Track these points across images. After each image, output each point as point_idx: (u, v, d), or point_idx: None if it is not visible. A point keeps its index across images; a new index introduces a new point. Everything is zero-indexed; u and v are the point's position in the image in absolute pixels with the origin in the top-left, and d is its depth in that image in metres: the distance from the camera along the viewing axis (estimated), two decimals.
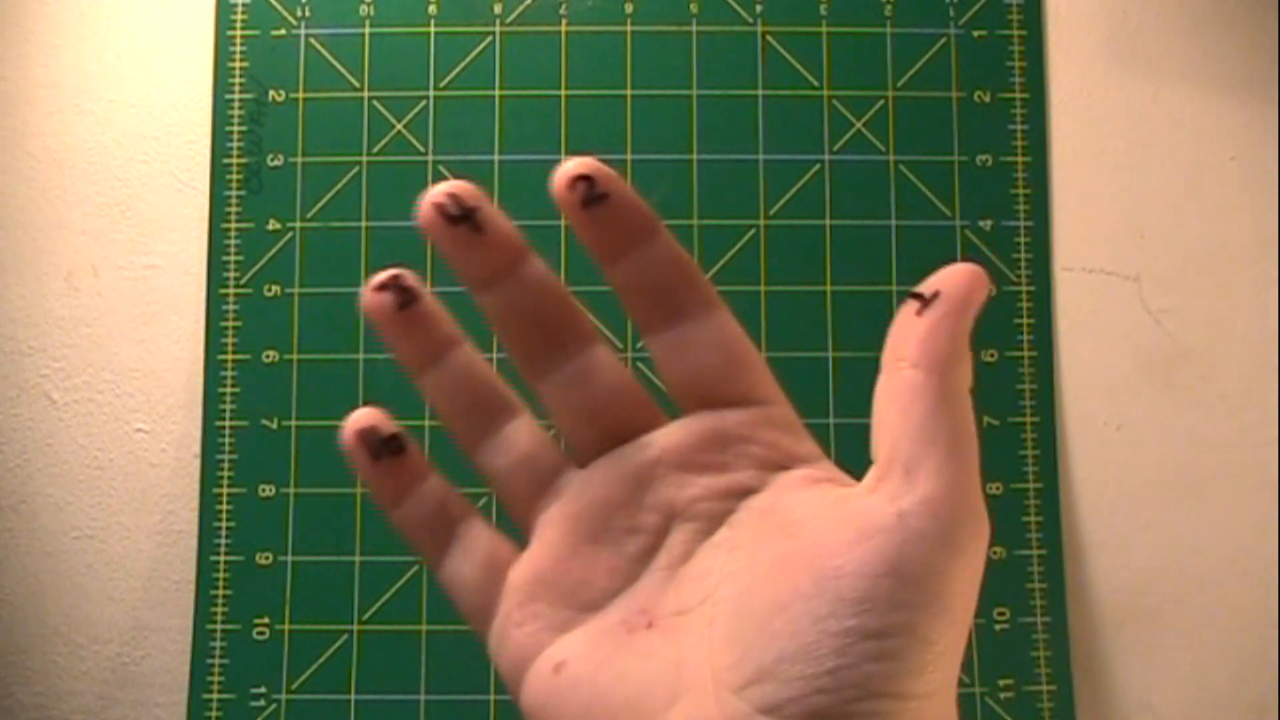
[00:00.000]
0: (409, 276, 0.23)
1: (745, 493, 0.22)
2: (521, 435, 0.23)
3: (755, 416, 0.22)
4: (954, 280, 0.20)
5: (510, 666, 0.22)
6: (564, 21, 0.55)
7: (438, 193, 0.22)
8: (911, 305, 0.20)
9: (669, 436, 0.23)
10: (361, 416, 0.23)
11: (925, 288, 0.21)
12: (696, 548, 0.22)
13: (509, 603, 0.22)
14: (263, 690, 0.51)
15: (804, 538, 0.20)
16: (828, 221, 0.54)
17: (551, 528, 0.23)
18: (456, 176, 0.55)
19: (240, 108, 0.55)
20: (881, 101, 0.55)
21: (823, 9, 0.55)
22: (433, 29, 0.55)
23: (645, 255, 0.22)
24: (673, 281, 0.22)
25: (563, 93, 0.55)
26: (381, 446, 0.23)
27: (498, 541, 0.24)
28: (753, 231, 0.54)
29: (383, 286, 0.23)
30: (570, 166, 0.22)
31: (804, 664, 0.18)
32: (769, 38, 0.55)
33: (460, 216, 0.22)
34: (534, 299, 0.23)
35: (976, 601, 0.20)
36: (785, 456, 0.22)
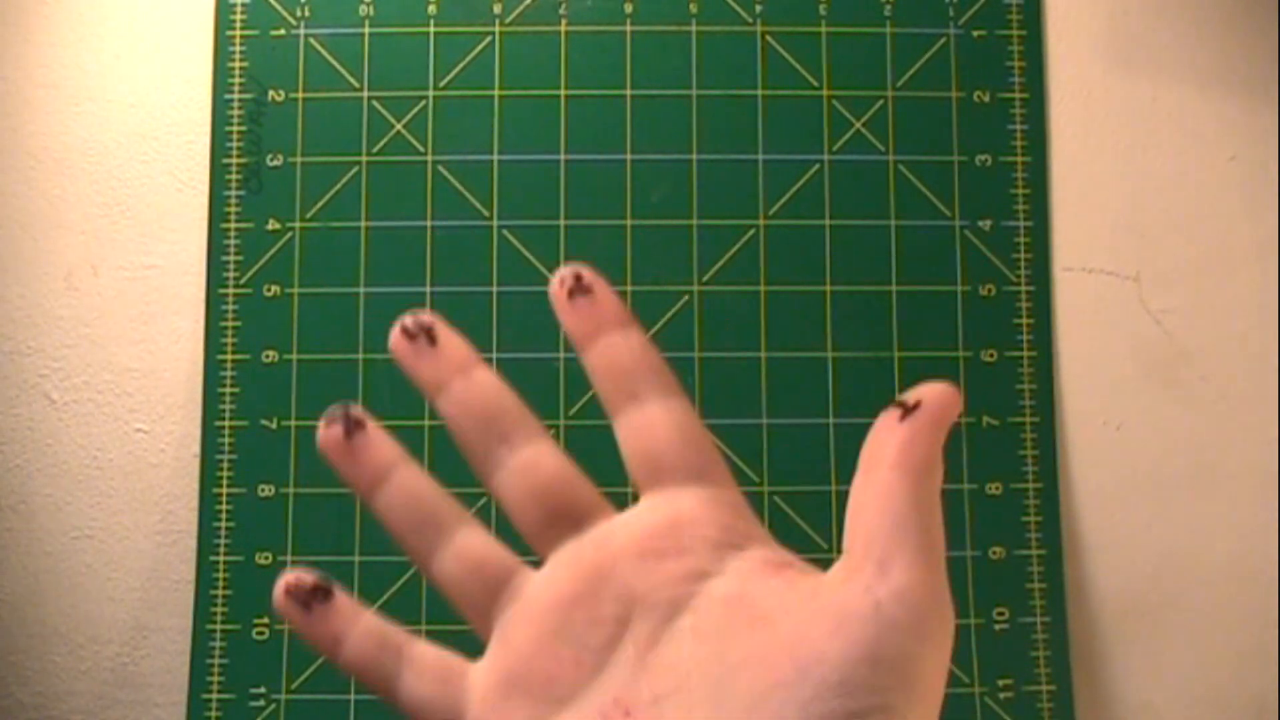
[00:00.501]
0: (356, 408, 0.25)
1: (703, 576, 0.23)
2: (473, 542, 0.25)
3: (705, 497, 0.24)
4: (935, 395, 0.23)
5: None
6: (564, 21, 0.55)
7: (403, 319, 0.26)
8: (894, 412, 0.23)
9: (626, 526, 0.24)
10: (285, 576, 0.25)
11: (909, 398, 0.23)
12: (661, 634, 0.22)
13: (482, 707, 0.23)
14: (262, 690, 0.51)
15: (780, 629, 0.21)
16: (827, 221, 0.54)
17: (513, 628, 0.24)
18: (456, 176, 0.55)
19: (240, 107, 0.55)
20: (881, 101, 0.55)
21: (822, 9, 0.55)
22: (432, 29, 0.55)
23: (615, 343, 0.25)
24: (639, 368, 0.25)
25: (562, 93, 0.55)
26: (309, 596, 0.24)
27: (447, 656, 0.25)
28: (752, 231, 0.54)
29: (332, 420, 0.25)
30: (563, 269, 0.26)
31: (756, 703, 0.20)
32: (769, 38, 0.55)
33: (416, 333, 0.25)
34: (483, 399, 0.26)
35: (944, 684, 0.21)
36: (737, 537, 0.23)
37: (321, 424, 0.25)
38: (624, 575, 0.23)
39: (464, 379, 0.26)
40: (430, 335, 0.25)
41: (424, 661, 0.25)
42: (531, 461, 0.25)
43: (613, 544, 0.24)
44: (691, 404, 0.25)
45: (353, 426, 0.25)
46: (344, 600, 0.25)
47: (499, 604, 0.24)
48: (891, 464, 0.22)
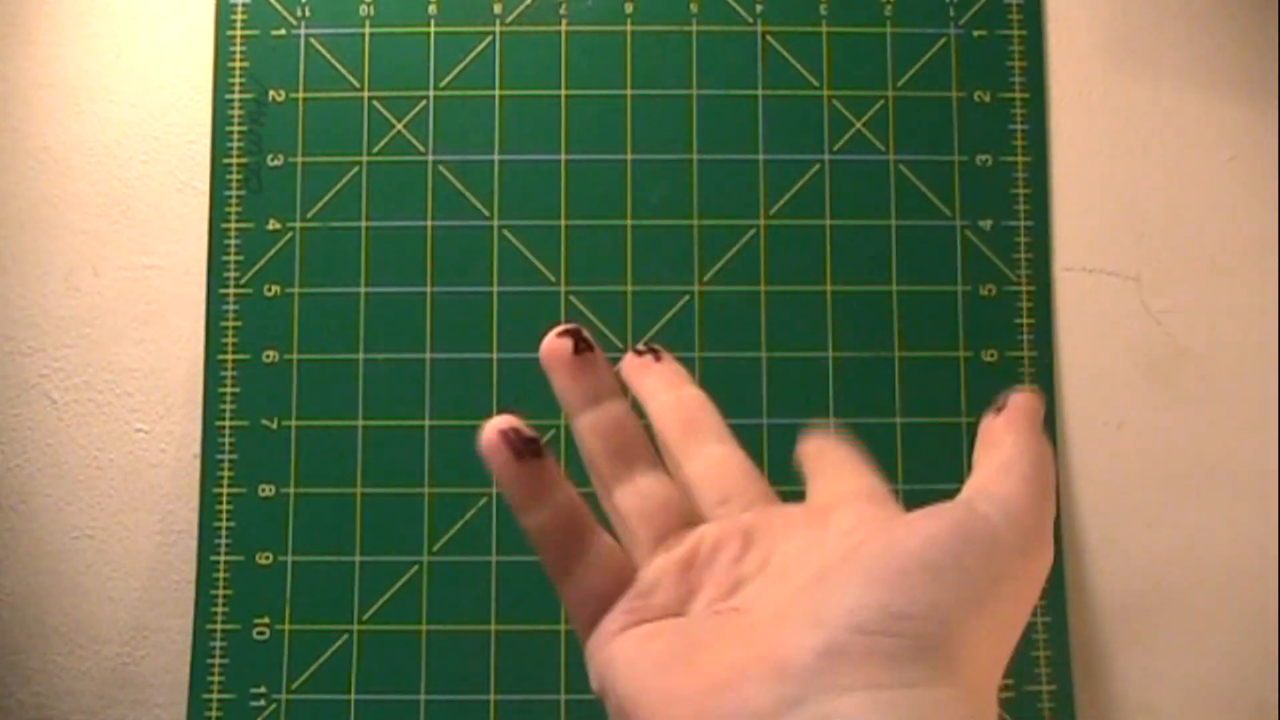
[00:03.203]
0: (585, 330, 0.27)
1: (841, 539, 0.24)
2: (661, 484, 0.26)
3: (863, 501, 0.26)
4: (1022, 395, 0.25)
5: (605, 639, 0.24)
6: (564, 21, 0.55)
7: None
8: (991, 413, 0.24)
9: (786, 506, 0.27)
10: (503, 419, 0.25)
11: (998, 402, 0.25)
12: (794, 569, 0.24)
13: (625, 599, 0.25)
14: (263, 690, 0.51)
15: (881, 521, 0.23)
16: (827, 221, 0.54)
17: (675, 552, 0.25)
18: (456, 176, 0.55)
19: (240, 108, 0.55)
20: (881, 101, 0.55)
21: (822, 9, 0.55)
22: (433, 29, 0.55)
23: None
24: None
25: (563, 93, 0.55)
26: (524, 447, 0.24)
27: (624, 557, 0.26)
28: (753, 231, 0.54)
29: (564, 333, 0.26)
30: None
31: (856, 585, 0.20)
32: (769, 38, 0.55)
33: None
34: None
35: (1028, 610, 0.22)
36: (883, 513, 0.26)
37: (551, 335, 0.26)
38: (774, 533, 0.25)
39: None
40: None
41: (606, 553, 0.25)
42: (720, 457, 0.27)
43: (772, 511, 0.26)
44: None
45: (583, 345, 0.26)
46: (554, 464, 0.25)
47: (665, 545, 0.25)
48: (990, 440, 0.23)
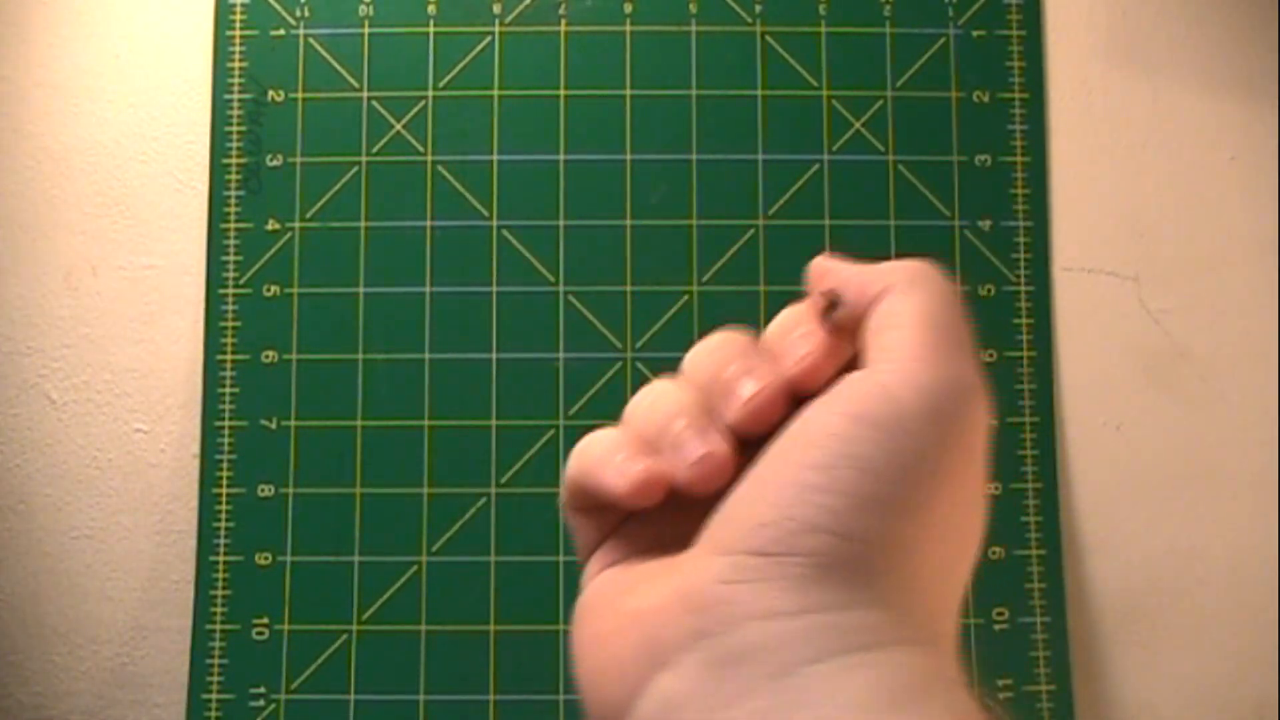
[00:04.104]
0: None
1: None
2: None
3: None
4: (825, 274, 0.23)
5: (586, 579, 0.23)
6: (563, 21, 0.55)
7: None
8: (839, 315, 0.22)
9: None
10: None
11: (822, 300, 0.22)
12: None
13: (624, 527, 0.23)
14: (262, 690, 0.51)
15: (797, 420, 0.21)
16: (827, 221, 0.54)
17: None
18: (456, 176, 0.55)
19: (239, 108, 0.55)
20: (880, 101, 0.55)
21: (822, 9, 0.55)
22: (432, 29, 0.55)
23: None
24: None
25: (562, 93, 0.55)
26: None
27: None
28: (752, 231, 0.54)
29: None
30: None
31: (756, 502, 0.18)
32: (768, 38, 0.55)
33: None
34: None
35: (973, 492, 0.19)
36: None
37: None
38: None
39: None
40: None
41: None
42: None
43: None
44: None
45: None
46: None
47: None
48: (874, 294, 0.21)
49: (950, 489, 0.19)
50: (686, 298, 0.54)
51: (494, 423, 0.52)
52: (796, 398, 0.21)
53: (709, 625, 0.17)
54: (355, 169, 0.54)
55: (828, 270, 0.22)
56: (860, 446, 0.18)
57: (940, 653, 0.18)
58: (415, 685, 0.51)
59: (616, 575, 0.21)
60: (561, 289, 0.54)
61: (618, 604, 0.20)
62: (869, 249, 0.54)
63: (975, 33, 0.55)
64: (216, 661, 0.52)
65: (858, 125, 0.55)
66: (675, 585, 0.19)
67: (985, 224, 0.55)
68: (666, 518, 0.22)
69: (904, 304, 0.20)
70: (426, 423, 0.52)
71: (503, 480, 0.52)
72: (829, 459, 0.18)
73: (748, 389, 0.21)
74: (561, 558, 0.51)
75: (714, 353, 0.23)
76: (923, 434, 0.18)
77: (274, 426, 0.53)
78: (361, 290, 0.54)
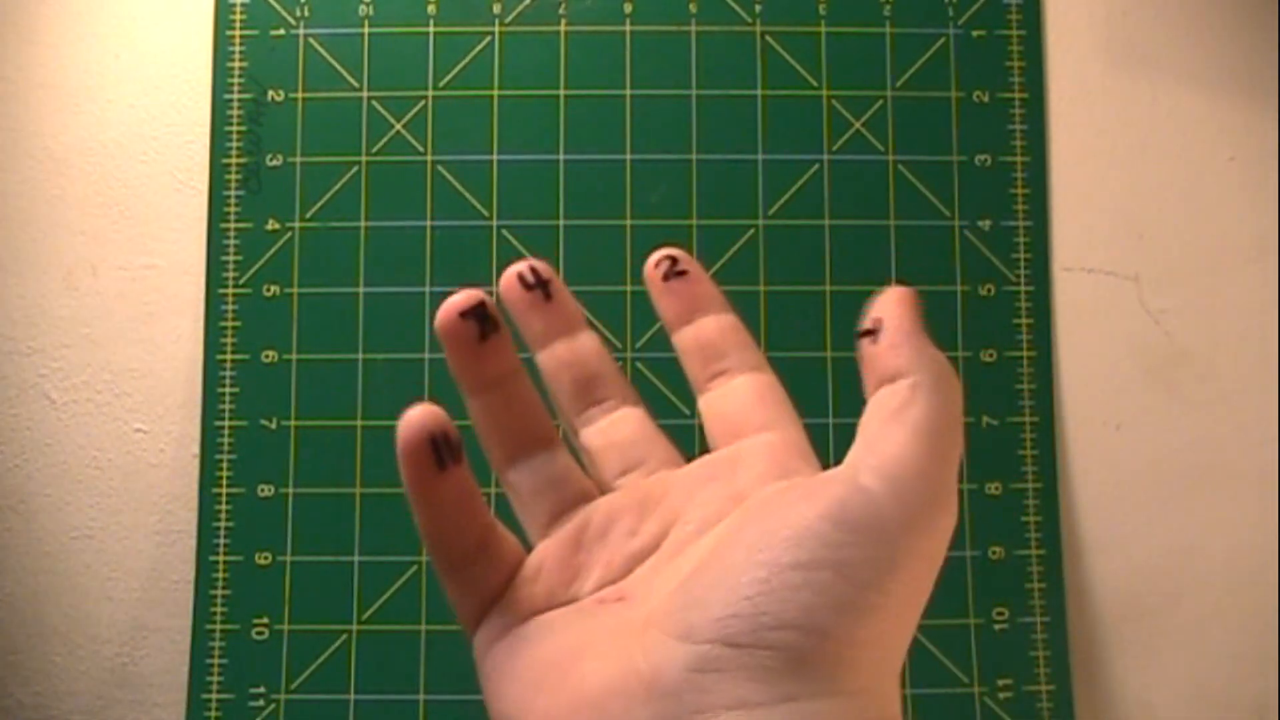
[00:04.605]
0: (491, 305, 0.24)
1: (741, 499, 0.23)
2: (559, 461, 0.25)
3: (769, 440, 0.24)
4: (887, 304, 0.22)
5: (485, 641, 0.23)
6: (563, 21, 0.55)
7: (520, 266, 0.25)
8: (865, 341, 0.22)
9: (689, 465, 0.25)
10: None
11: (868, 323, 0.22)
12: (687, 547, 0.23)
13: (517, 582, 0.23)
14: (262, 690, 0.51)
15: (766, 505, 0.21)
16: (827, 221, 0.54)
17: (562, 530, 0.24)
18: (456, 176, 0.55)
19: (239, 108, 0.55)
20: (880, 101, 0.55)
21: (821, 9, 0.55)
22: (432, 29, 0.55)
23: (707, 324, 0.26)
24: (728, 347, 0.26)
25: (562, 93, 0.55)
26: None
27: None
28: (752, 231, 0.54)
29: (466, 314, 0.24)
30: (660, 253, 0.27)
31: (725, 589, 0.18)
32: (768, 38, 0.55)
33: (534, 284, 0.25)
34: (584, 362, 0.26)
35: (929, 587, 0.20)
36: (788, 471, 0.23)
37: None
38: (673, 498, 0.24)
39: (569, 340, 0.26)
40: (547, 290, 0.25)
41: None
42: (620, 420, 0.25)
43: (672, 476, 0.24)
44: (777, 379, 0.26)
45: (488, 327, 0.24)
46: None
47: (560, 518, 0.24)
48: (882, 378, 0.21)
49: (918, 585, 0.19)
50: None
51: None
52: None
53: (674, 712, 0.18)
54: (355, 169, 0.54)
55: (890, 308, 0.22)
56: (841, 551, 0.18)
57: None
58: (415, 685, 0.51)
59: (527, 645, 0.22)
60: None
61: (567, 680, 0.20)
62: (869, 249, 0.54)
63: (975, 33, 0.55)
64: (216, 661, 0.52)
65: (858, 125, 0.55)
66: (635, 668, 0.19)
67: (985, 224, 0.55)
68: (554, 572, 0.23)
69: (915, 406, 0.20)
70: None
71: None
72: (809, 559, 0.18)
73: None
74: None
75: None
76: (901, 543, 0.19)
77: (274, 426, 0.53)
78: (361, 290, 0.54)
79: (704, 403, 0.25)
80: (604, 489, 0.25)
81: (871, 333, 0.22)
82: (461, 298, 0.24)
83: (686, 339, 0.26)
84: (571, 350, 0.25)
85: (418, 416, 0.23)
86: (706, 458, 0.25)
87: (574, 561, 0.23)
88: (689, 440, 0.56)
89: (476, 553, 0.23)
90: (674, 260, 0.26)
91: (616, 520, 0.24)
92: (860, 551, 0.18)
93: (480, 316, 0.24)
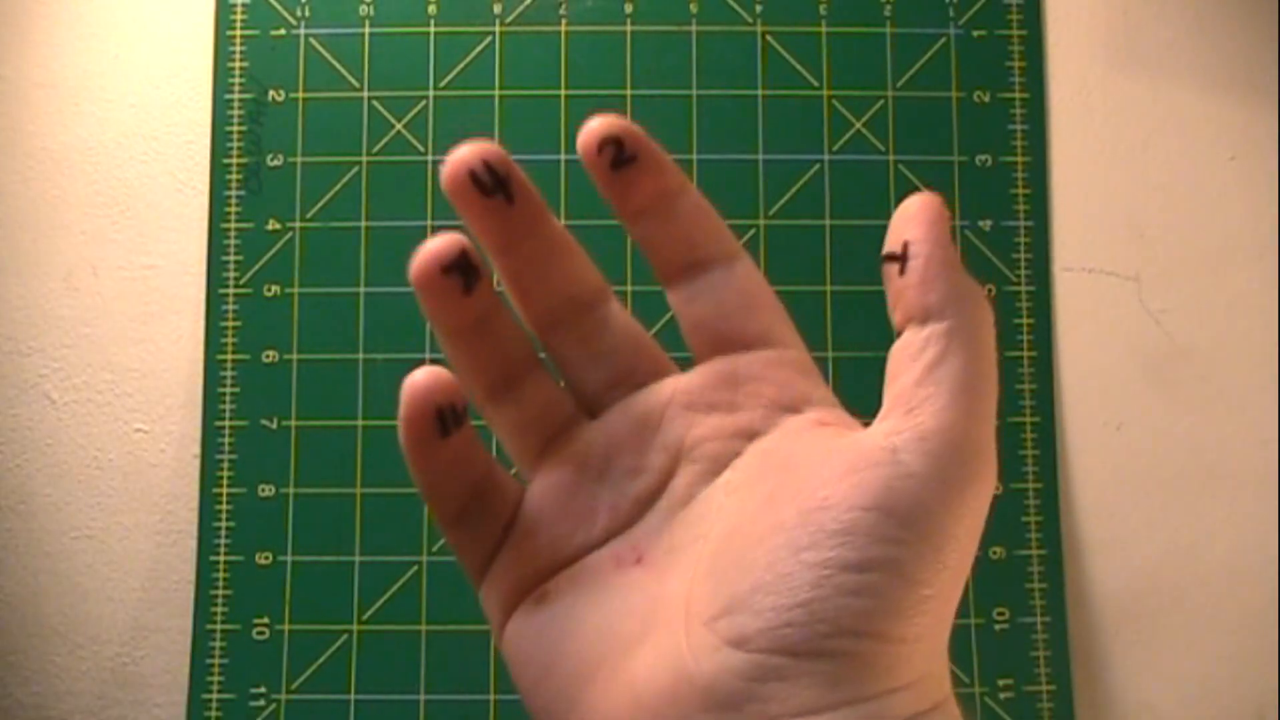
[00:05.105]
0: (473, 252, 0.22)
1: (752, 435, 0.21)
2: (541, 389, 0.23)
3: (768, 358, 0.22)
4: (915, 224, 0.20)
5: (499, 604, 0.22)
6: (564, 21, 0.55)
7: (470, 158, 0.21)
8: (891, 268, 0.20)
9: (680, 379, 0.23)
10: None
11: (892, 245, 0.20)
12: (699, 489, 0.21)
13: (513, 535, 0.22)
14: (262, 690, 0.51)
15: (795, 473, 0.19)
16: (827, 221, 0.54)
17: (558, 468, 0.22)
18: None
19: (240, 107, 0.55)
20: (881, 101, 0.55)
21: (822, 9, 0.55)
22: (432, 29, 0.55)
23: (671, 212, 0.22)
24: (697, 236, 0.23)
25: (562, 93, 0.55)
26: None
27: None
28: (752, 231, 0.54)
29: (449, 268, 0.21)
30: (597, 127, 0.22)
31: (777, 595, 0.17)
32: (769, 38, 0.55)
33: (495, 187, 0.21)
34: (553, 258, 0.22)
35: (975, 550, 0.19)
36: (796, 398, 0.22)
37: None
38: (673, 427, 0.22)
39: (534, 239, 0.22)
40: (508, 191, 0.21)
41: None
42: (600, 322, 0.23)
43: (666, 395, 0.22)
44: (755, 264, 0.23)
45: (470, 280, 0.21)
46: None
47: (552, 448, 0.22)
48: (914, 316, 0.20)
49: (964, 563, 0.19)
50: None
51: None
52: None
53: None
54: (356, 169, 0.54)
55: (919, 228, 0.20)
56: (892, 549, 0.17)
57: (951, 701, 0.18)
58: (415, 685, 0.51)
59: (547, 622, 0.20)
60: None
61: (616, 677, 0.19)
62: (869, 249, 0.54)
63: (976, 33, 0.55)
64: (217, 661, 0.52)
65: (858, 125, 0.55)
66: (687, 671, 0.18)
67: (986, 224, 0.55)
68: (555, 519, 0.21)
69: (952, 359, 0.19)
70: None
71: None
72: (860, 559, 0.17)
73: None
74: None
75: None
76: (949, 530, 0.18)
77: (274, 426, 0.53)
78: (362, 290, 0.54)
79: (677, 300, 0.23)
80: (590, 401, 0.23)
81: (898, 259, 0.20)
82: (442, 245, 0.21)
83: (645, 231, 0.22)
84: (536, 251, 0.22)
85: (423, 384, 0.21)
86: (701, 372, 0.22)
87: (574, 506, 0.22)
88: None
89: (474, 502, 0.22)
90: (619, 145, 0.22)
91: (615, 455, 0.22)
92: (911, 549, 0.18)
93: (464, 268, 0.21)
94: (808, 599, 0.17)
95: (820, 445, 0.20)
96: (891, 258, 0.20)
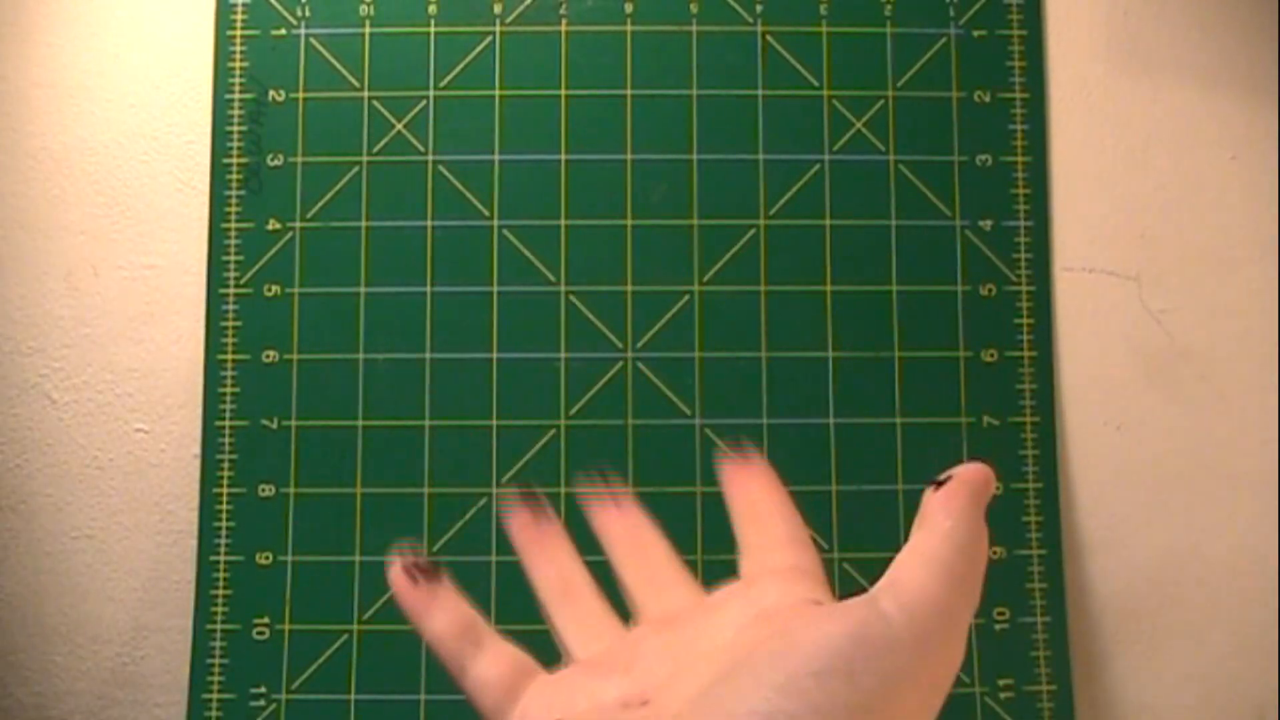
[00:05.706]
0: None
1: (767, 615, 0.24)
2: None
3: (786, 569, 0.26)
4: (966, 468, 0.24)
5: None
6: (564, 21, 0.55)
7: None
8: (930, 489, 0.23)
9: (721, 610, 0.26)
10: (400, 558, 0.28)
11: (942, 475, 0.23)
12: (709, 650, 0.23)
13: (528, 687, 0.27)
14: (263, 690, 0.51)
15: (787, 620, 0.22)
16: (827, 221, 0.54)
17: (588, 659, 0.27)
18: (456, 176, 0.55)
19: (240, 108, 0.55)
20: (881, 101, 0.55)
21: (823, 9, 0.55)
22: (432, 29, 0.55)
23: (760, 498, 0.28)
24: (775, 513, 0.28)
25: (563, 93, 0.55)
26: (420, 572, 0.29)
27: (523, 654, 0.28)
28: (752, 231, 0.54)
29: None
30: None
31: (746, 693, 0.19)
32: (769, 38, 0.55)
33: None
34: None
35: (932, 716, 0.21)
36: (808, 598, 0.24)
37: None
38: (695, 617, 0.25)
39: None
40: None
41: (500, 651, 0.28)
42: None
43: (694, 600, 0.27)
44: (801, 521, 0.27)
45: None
46: (448, 585, 0.28)
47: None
48: (928, 518, 0.23)
49: (922, 709, 0.21)
50: (687, 298, 0.54)
51: (494, 423, 0.52)
52: None
53: None
54: (356, 169, 0.54)
55: (966, 472, 0.24)
56: (854, 663, 0.19)
57: None
58: (416, 685, 0.51)
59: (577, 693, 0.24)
60: (562, 289, 0.54)
61: None
62: (869, 249, 0.54)
63: (976, 33, 0.55)
64: (217, 661, 0.52)
65: (858, 125, 0.55)
66: None
67: (986, 224, 0.55)
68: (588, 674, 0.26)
69: (945, 551, 0.22)
70: (427, 423, 0.52)
71: (503, 480, 0.52)
72: (822, 668, 0.19)
73: None
74: None
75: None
76: (910, 664, 0.20)
77: (275, 426, 0.53)
78: (362, 290, 0.54)
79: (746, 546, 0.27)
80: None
81: (939, 484, 0.23)
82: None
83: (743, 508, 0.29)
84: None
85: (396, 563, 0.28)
86: (728, 587, 0.26)
87: (587, 667, 0.26)
88: (689, 439, 0.56)
89: (474, 650, 0.28)
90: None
91: (643, 637, 0.26)
92: (869, 665, 0.20)
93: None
94: (771, 690, 0.19)
95: (820, 606, 0.23)
96: (934, 483, 0.23)
